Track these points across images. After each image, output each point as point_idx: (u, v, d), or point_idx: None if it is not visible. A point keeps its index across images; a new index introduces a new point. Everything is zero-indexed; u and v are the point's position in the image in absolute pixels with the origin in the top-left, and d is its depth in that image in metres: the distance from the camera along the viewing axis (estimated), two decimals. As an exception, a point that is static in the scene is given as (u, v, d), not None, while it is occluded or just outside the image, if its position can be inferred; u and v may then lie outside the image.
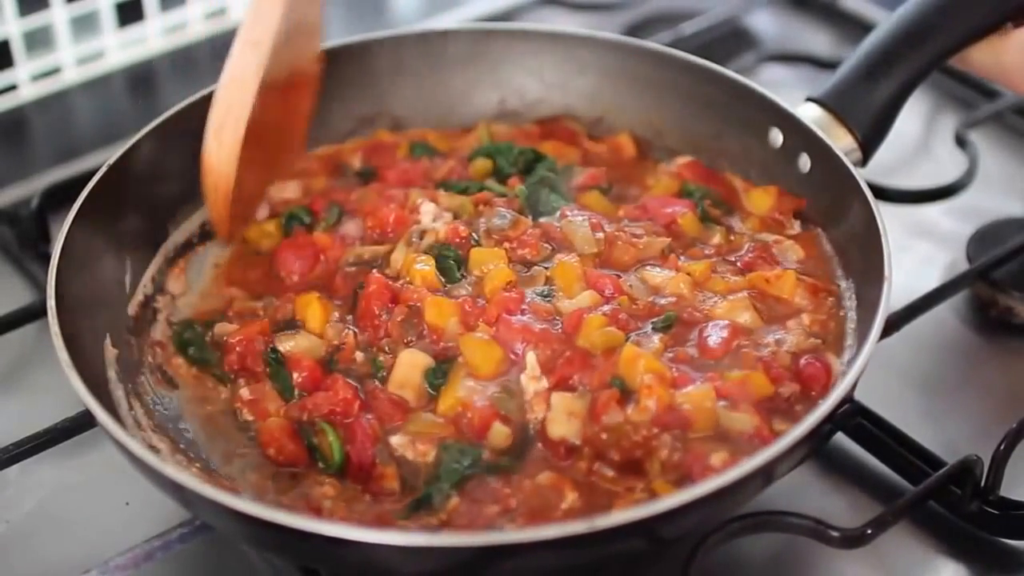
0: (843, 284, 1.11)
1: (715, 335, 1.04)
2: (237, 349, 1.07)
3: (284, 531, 0.86)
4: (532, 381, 1.01)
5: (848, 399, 0.97)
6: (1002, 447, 1.01)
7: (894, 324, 1.12)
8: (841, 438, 1.09)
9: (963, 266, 1.23)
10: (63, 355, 0.95)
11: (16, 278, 1.26)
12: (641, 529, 0.87)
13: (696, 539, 0.95)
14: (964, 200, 1.31)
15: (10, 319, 1.15)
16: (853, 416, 1.08)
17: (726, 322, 1.05)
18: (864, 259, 1.05)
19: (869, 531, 0.96)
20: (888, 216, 1.30)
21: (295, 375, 1.05)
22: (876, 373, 1.09)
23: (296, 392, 1.05)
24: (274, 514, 0.86)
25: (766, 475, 0.92)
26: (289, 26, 1.09)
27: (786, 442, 0.90)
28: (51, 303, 0.99)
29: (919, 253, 1.31)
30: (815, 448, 1.05)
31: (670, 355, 1.03)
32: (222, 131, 1.07)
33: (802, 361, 1.03)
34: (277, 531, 0.86)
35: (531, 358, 1.02)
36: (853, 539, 0.96)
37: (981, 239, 1.25)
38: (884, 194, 1.30)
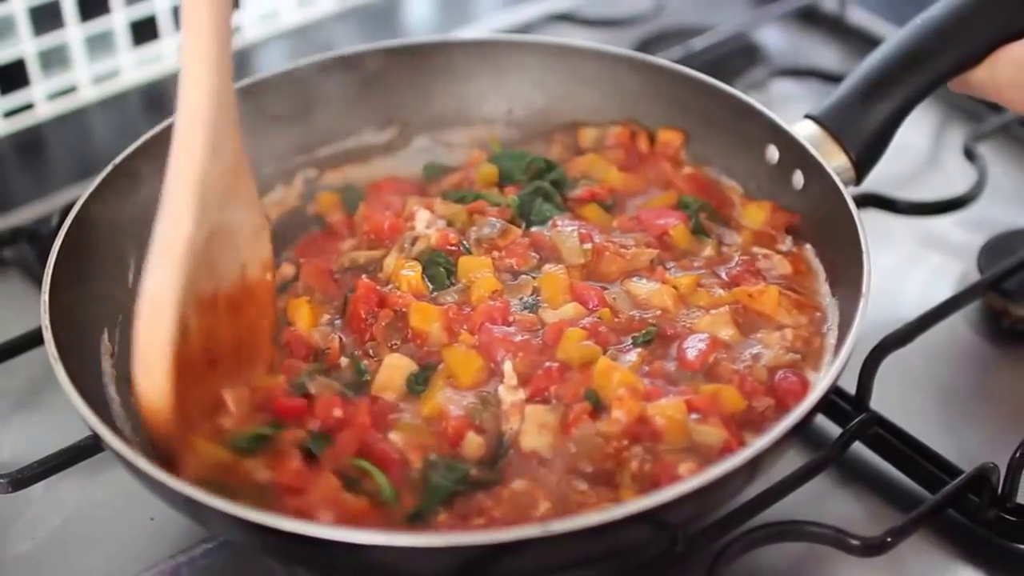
0: (828, 300, 1.11)
1: (693, 348, 1.05)
2: None
3: (281, 536, 0.87)
4: (509, 391, 1.02)
5: (820, 408, 0.97)
6: (1018, 454, 1.03)
7: (908, 335, 1.13)
8: (859, 448, 1.10)
9: (974, 277, 1.24)
10: (63, 379, 0.97)
11: (38, 295, 1.26)
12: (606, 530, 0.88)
13: (718, 548, 0.97)
14: (974, 212, 1.33)
15: (32, 336, 1.16)
16: (871, 426, 1.09)
17: (706, 335, 1.06)
18: (849, 276, 1.06)
19: (889, 539, 0.97)
20: (899, 228, 1.33)
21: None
22: (892, 383, 1.12)
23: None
24: (276, 520, 0.87)
25: (749, 472, 0.94)
26: (213, 228, 0.99)
27: (744, 456, 0.90)
28: (47, 329, 1.01)
29: (931, 264, 1.32)
30: (833, 458, 1.06)
31: (646, 368, 1.04)
32: (148, 364, 0.96)
33: (778, 375, 1.04)
34: (276, 537, 0.88)
35: (508, 367, 1.03)
36: (874, 547, 0.97)
37: (991, 250, 1.27)
38: (895, 206, 1.31)
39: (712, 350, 1.05)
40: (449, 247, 1.14)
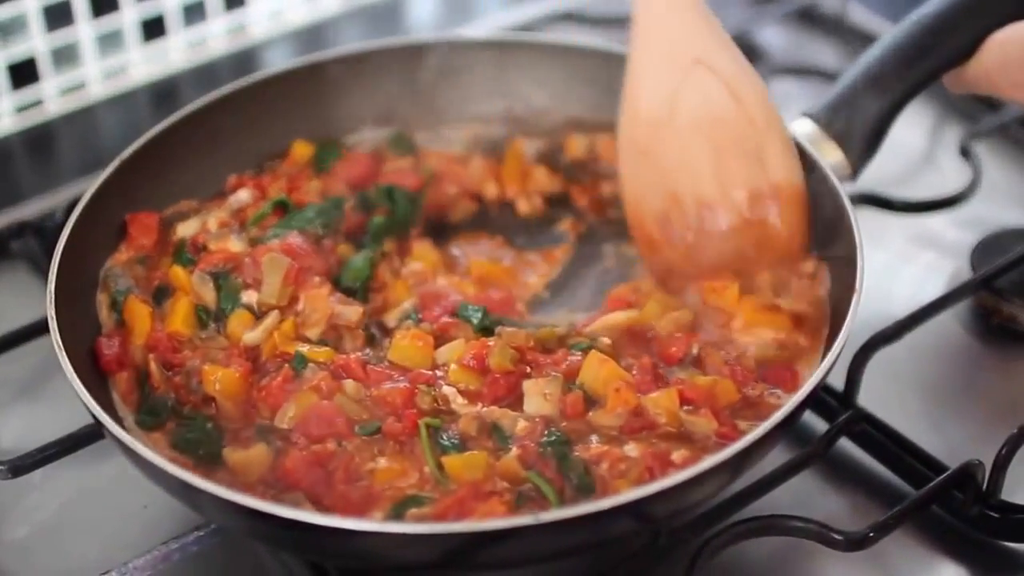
0: (820, 298, 1.12)
1: (674, 340, 1.06)
2: None
3: (272, 521, 0.89)
4: (463, 407, 1.02)
5: (807, 404, 0.98)
6: (1003, 452, 1.03)
7: (897, 332, 1.14)
8: (845, 443, 1.11)
9: (967, 275, 1.24)
10: (67, 367, 0.99)
11: (43, 287, 1.28)
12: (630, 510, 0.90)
13: (700, 541, 0.97)
14: (968, 210, 1.33)
15: (36, 327, 1.18)
16: (857, 423, 1.10)
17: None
18: (842, 274, 1.07)
19: (872, 534, 0.98)
20: (893, 226, 1.34)
21: None
22: (880, 379, 1.12)
23: None
24: (268, 506, 0.89)
25: (735, 467, 0.95)
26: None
27: (730, 451, 0.91)
28: (52, 319, 1.03)
29: (924, 262, 1.32)
30: (819, 454, 1.07)
31: (631, 362, 1.05)
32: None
33: (764, 367, 1.05)
34: (268, 522, 0.90)
35: (451, 391, 1.03)
36: (856, 542, 0.98)
37: (984, 248, 1.27)
38: (889, 204, 1.31)
39: (690, 340, 1.06)
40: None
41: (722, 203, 1.10)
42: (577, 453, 0.98)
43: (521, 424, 1.00)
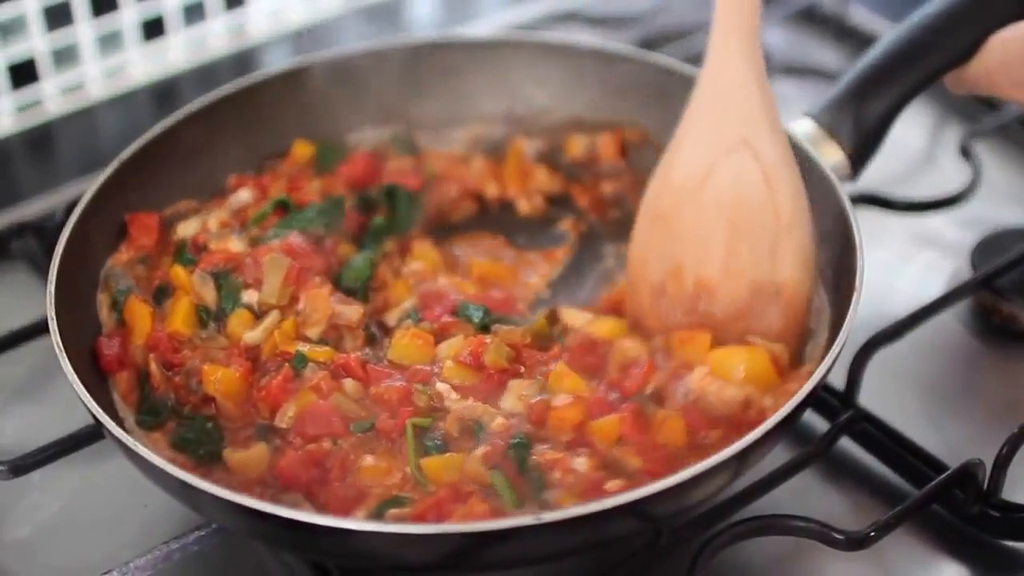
0: (819, 297, 1.11)
1: (635, 371, 1.03)
2: None
3: (273, 521, 0.89)
4: (455, 402, 1.02)
5: (808, 403, 0.97)
6: (1004, 451, 1.03)
7: (898, 331, 1.14)
8: (846, 442, 1.11)
9: (967, 275, 1.25)
10: (67, 368, 0.99)
11: (43, 287, 1.28)
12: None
13: (701, 541, 0.97)
14: (968, 210, 1.33)
15: (36, 327, 1.18)
16: (858, 422, 1.10)
17: (645, 359, 1.04)
18: (842, 273, 1.06)
19: (872, 533, 0.98)
20: (894, 225, 1.34)
21: None
22: (881, 379, 1.12)
23: None
24: (268, 506, 0.89)
25: (736, 467, 0.94)
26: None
27: (731, 450, 0.91)
28: (53, 320, 1.03)
29: (924, 262, 1.33)
30: (820, 453, 1.07)
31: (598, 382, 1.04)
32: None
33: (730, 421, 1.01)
34: (268, 522, 0.90)
35: (445, 388, 1.03)
36: (857, 541, 0.98)
37: (984, 248, 1.27)
38: (890, 204, 1.32)
39: (650, 374, 1.03)
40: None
41: (722, 287, 1.05)
42: (535, 457, 0.97)
43: (499, 421, 1.00)
